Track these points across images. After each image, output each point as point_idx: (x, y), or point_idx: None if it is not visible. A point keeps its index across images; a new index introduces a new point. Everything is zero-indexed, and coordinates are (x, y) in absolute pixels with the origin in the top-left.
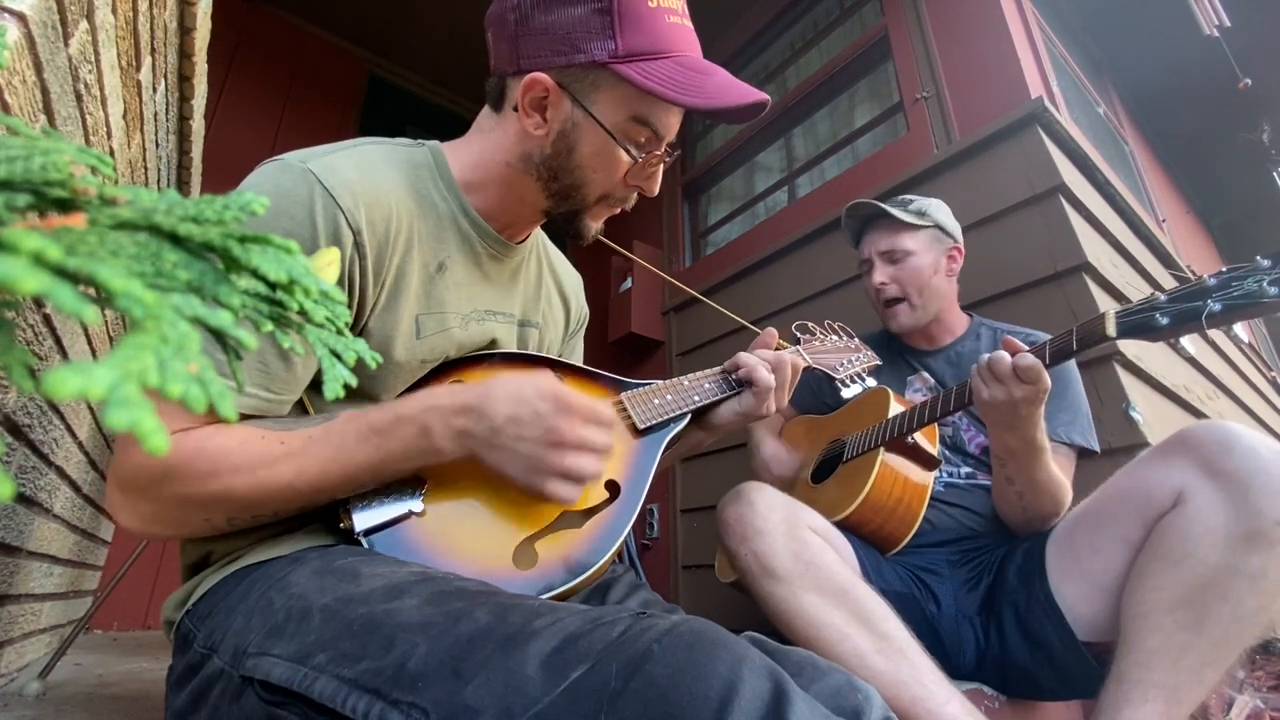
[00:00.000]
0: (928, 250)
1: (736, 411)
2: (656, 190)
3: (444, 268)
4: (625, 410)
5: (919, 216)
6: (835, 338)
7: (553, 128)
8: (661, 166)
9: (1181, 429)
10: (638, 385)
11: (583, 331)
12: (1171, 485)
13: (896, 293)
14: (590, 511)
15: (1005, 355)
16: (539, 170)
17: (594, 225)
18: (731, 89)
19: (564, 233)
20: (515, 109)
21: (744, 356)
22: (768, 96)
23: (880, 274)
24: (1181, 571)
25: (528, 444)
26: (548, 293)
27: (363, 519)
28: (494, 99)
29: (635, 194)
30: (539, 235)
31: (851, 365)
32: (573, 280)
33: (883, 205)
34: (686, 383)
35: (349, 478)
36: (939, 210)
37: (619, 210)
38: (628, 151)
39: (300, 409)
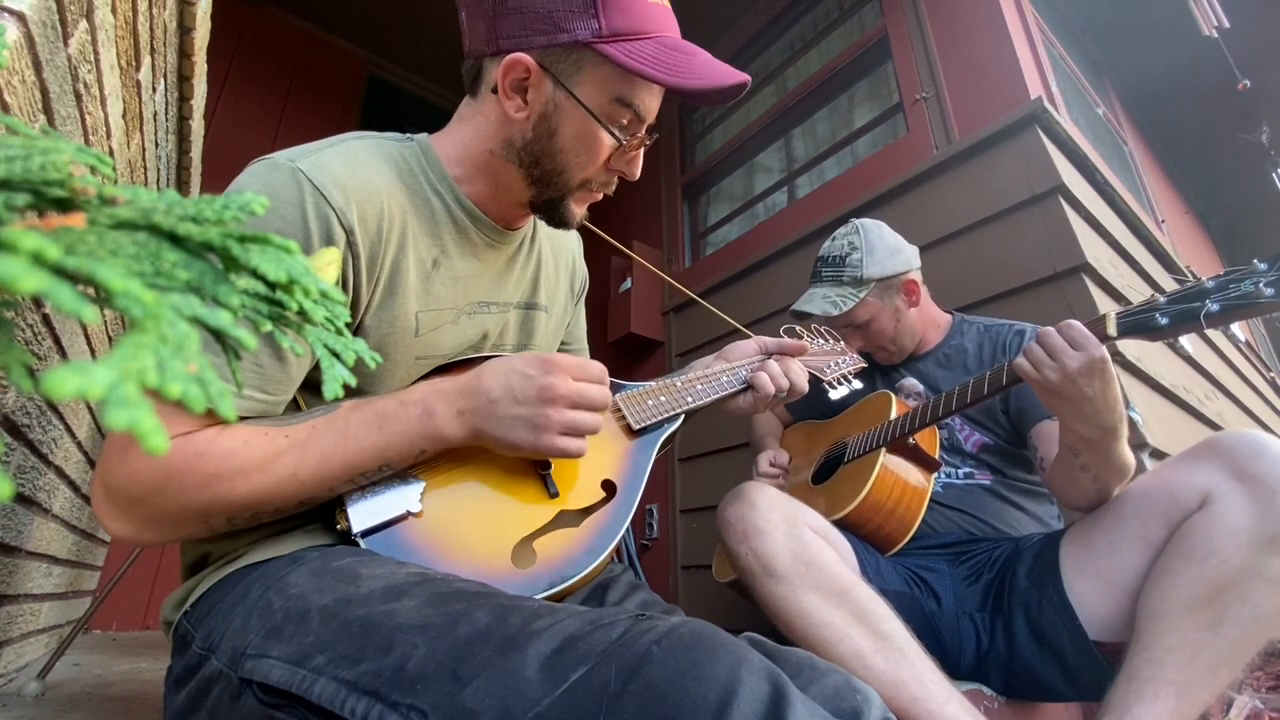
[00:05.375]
0: (881, 309)
1: (739, 406)
2: (638, 174)
3: (439, 264)
4: (620, 411)
5: (856, 286)
6: (822, 341)
7: (534, 110)
8: (642, 150)
9: (1211, 435)
10: (632, 386)
11: (584, 299)
12: (1199, 487)
13: (872, 349)
14: (587, 511)
15: (1049, 329)
16: (520, 156)
17: (578, 211)
18: (715, 70)
19: (549, 223)
20: (494, 91)
21: (771, 368)
22: (749, 77)
23: (853, 341)
24: (1204, 571)
25: (525, 407)
26: (549, 269)
27: (359, 519)
28: (470, 83)
29: (616, 179)
30: None
31: (838, 367)
32: (571, 242)
33: (814, 312)
34: (679, 383)
35: (351, 463)
36: (873, 256)
37: (600, 196)
38: (611, 134)
39: (293, 408)
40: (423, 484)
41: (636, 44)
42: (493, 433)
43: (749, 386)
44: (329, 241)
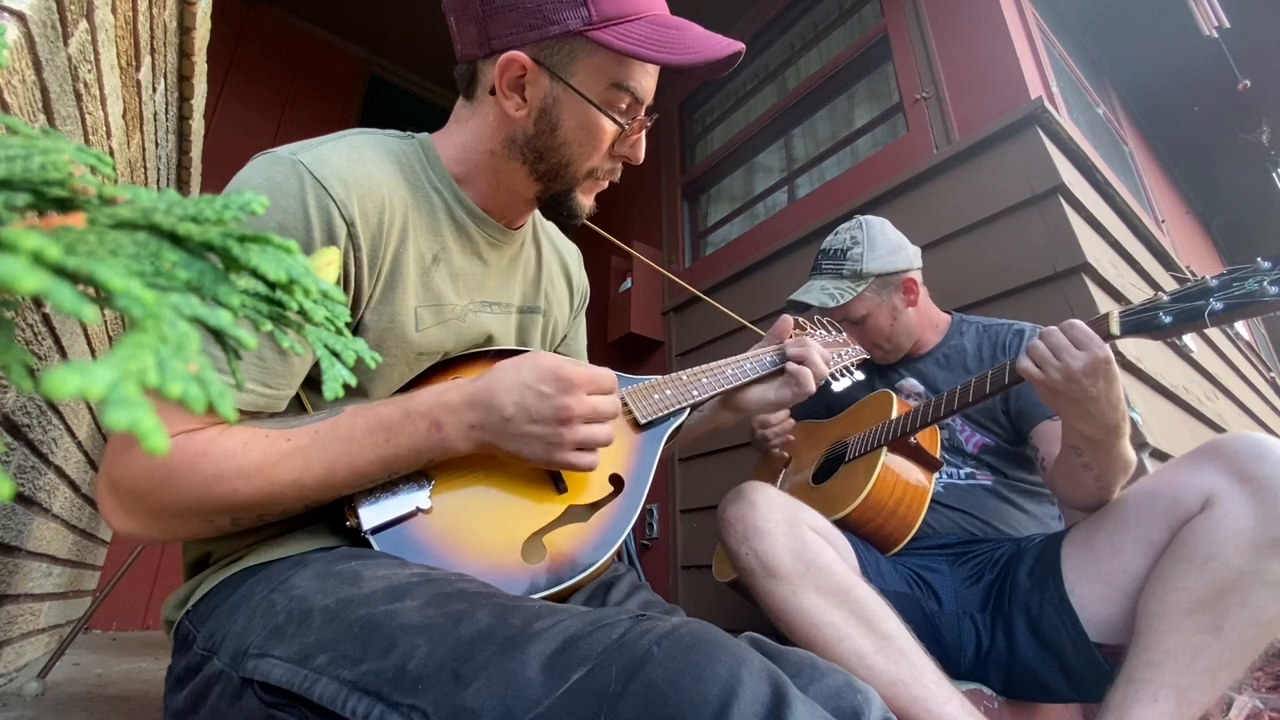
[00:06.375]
0: (879, 305)
1: (769, 399)
2: (642, 157)
3: (439, 259)
4: (626, 406)
5: (855, 280)
6: (824, 333)
7: (533, 106)
8: (644, 132)
9: (1214, 438)
10: (637, 380)
11: (584, 309)
12: (1200, 489)
13: (867, 346)
14: (596, 505)
15: (1053, 328)
16: (524, 153)
17: (586, 202)
18: (709, 42)
19: (558, 215)
20: (492, 92)
21: (813, 346)
22: (743, 45)
23: (850, 337)
24: (1204, 574)
25: (541, 426)
26: (550, 273)
27: (370, 516)
28: (465, 86)
29: (620, 165)
30: (535, 213)
31: (841, 359)
32: (572, 254)
33: (811, 302)
34: (685, 376)
35: (357, 473)
36: (874, 251)
37: (606, 184)
38: (612, 120)
39: (297, 404)
40: (432, 481)
41: (627, 26)
42: (505, 448)
43: (770, 374)
44: (330, 233)
